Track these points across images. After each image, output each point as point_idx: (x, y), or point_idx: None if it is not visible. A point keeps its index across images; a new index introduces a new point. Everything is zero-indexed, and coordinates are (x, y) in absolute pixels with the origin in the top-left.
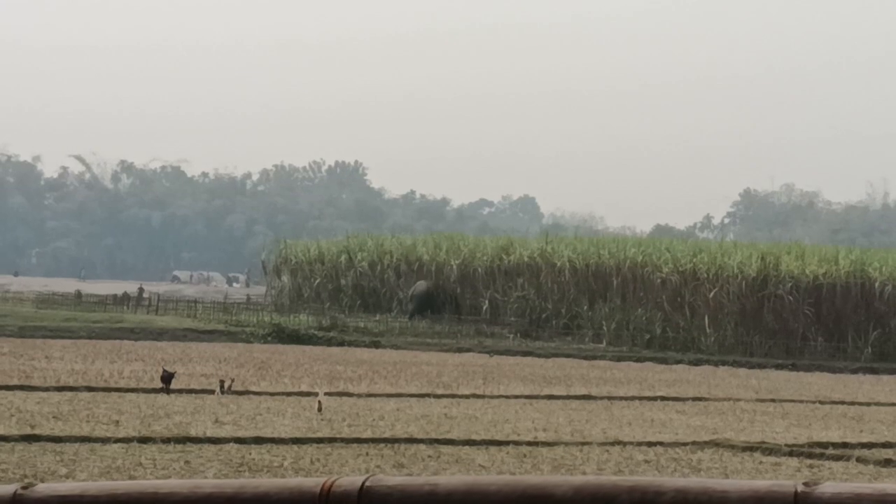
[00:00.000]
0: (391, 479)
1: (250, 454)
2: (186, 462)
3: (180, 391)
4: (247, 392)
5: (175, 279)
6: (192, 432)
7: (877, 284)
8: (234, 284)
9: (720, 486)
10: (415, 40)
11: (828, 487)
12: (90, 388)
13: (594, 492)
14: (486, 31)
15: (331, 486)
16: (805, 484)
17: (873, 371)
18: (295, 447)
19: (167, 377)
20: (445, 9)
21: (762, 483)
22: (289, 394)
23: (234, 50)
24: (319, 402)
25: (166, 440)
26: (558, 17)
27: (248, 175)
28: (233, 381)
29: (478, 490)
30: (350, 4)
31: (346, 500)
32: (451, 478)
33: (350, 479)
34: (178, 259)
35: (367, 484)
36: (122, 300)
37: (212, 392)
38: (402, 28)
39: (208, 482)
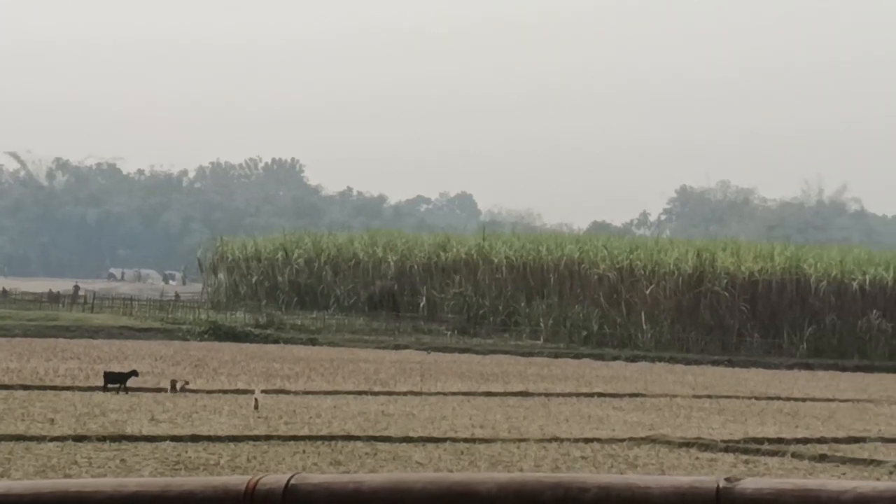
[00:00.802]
0: (316, 476)
1: (186, 452)
2: (122, 461)
3: (117, 389)
4: (183, 390)
5: (111, 277)
6: (129, 430)
7: (812, 280)
8: (171, 282)
9: (643, 482)
10: (352, 41)
11: (749, 483)
12: (25, 387)
13: (518, 489)
14: (422, 32)
15: (255, 484)
16: (727, 479)
17: (808, 367)
18: (231, 445)
19: (111, 377)
20: (381, 10)
21: (684, 479)
22: (225, 391)
23: (169, 47)
24: (256, 399)
25: (102, 438)
26: (495, 19)
27: (185, 172)
28: (186, 382)
29: (403, 487)
30: (288, 5)
31: (270, 499)
32: (375, 476)
33: (275, 478)
34: (113, 256)
35: (292, 482)
36: (55, 298)
37: (154, 391)
38: (338, 29)
39: (133, 480)
